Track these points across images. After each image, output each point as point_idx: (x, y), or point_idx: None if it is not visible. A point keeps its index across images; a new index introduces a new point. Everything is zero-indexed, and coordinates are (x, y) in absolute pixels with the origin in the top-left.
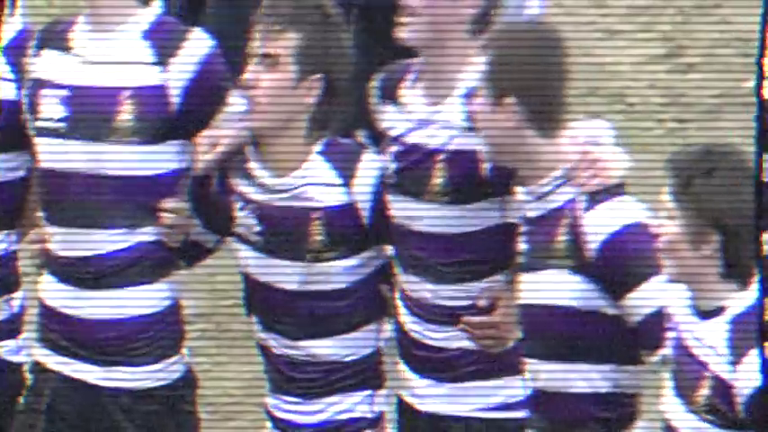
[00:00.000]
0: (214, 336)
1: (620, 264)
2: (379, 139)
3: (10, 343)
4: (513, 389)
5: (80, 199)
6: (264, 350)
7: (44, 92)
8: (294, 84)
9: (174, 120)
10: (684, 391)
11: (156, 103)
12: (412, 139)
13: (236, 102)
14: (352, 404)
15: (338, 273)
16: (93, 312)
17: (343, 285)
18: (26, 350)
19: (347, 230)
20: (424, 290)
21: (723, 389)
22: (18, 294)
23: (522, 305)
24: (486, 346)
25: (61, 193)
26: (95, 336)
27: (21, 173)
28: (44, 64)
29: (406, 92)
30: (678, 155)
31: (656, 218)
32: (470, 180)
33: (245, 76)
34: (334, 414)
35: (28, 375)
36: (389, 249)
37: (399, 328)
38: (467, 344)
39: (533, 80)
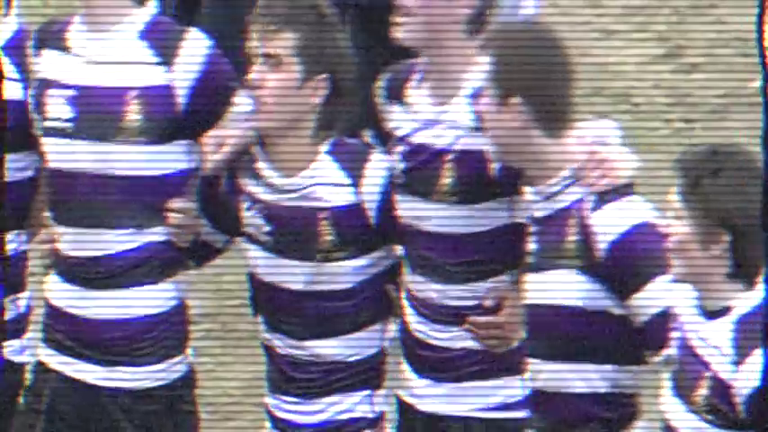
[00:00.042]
0: (220, 336)
1: (628, 264)
2: (385, 139)
3: (14, 343)
4: (512, 389)
5: (88, 199)
6: (269, 350)
7: (50, 92)
8: (300, 84)
9: (180, 119)
10: (684, 391)
11: (162, 103)
12: (419, 139)
13: (242, 101)
14: (352, 404)
15: (346, 273)
16: (100, 312)
17: (350, 285)
18: (30, 350)
19: (355, 230)
20: (431, 290)
21: (722, 389)
22: (24, 294)
23: (528, 305)
24: (490, 346)
25: (69, 193)
26: (101, 336)
27: (29, 173)
28: (47, 64)
29: (412, 92)
30: (685, 155)
31: (664, 218)
32: (478, 180)
33: (251, 76)
34: (334, 414)
35: (28, 375)
36: (399, 249)
37: (404, 329)
38: (471, 344)
39: (539, 80)
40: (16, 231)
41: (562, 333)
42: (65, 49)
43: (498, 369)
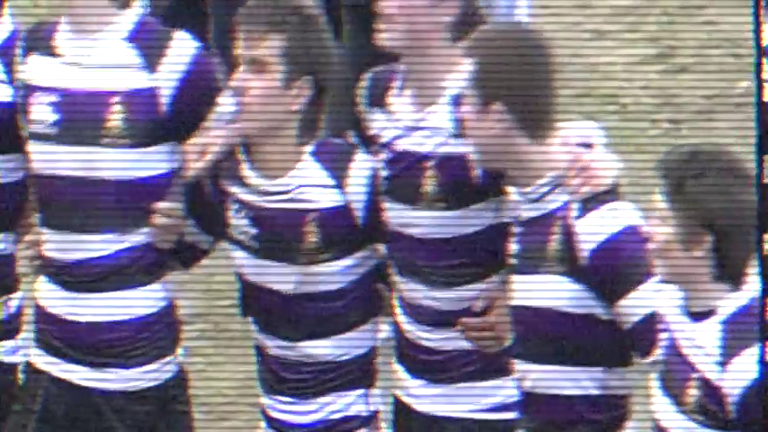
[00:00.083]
0: (212, 336)
1: (611, 271)
2: (368, 143)
3: (7, 344)
4: (508, 389)
5: (72, 203)
6: (260, 350)
7: (34, 96)
8: (283, 87)
9: (164, 122)
10: (673, 392)
11: (145, 106)
12: (401, 145)
13: (225, 102)
14: (346, 403)
15: (333, 273)
16: (88, 315)
17: (339, 286)
18: (23, 351)
19: (342, 231)
20: (419, 293)
21: (712, 390)
22: (16, 295)
23: (512, 307)
24: (483, 347)
25: (54, 197)
26: (90, 338)
27: (20, 174)
28: (32, 68)
29: (394, 98)
30: (668, 157)
31: (649, 220)
32: (461, 185)
33: (233, 82)
34: (328, 414)
35: (20, 376)
36: (383, 249)
37: (397, 329)
38: (462, 345)
39: (521, 84)
40: (6, 232)
41: (548, 335)
42: (51, 52)
43: (493, 370)
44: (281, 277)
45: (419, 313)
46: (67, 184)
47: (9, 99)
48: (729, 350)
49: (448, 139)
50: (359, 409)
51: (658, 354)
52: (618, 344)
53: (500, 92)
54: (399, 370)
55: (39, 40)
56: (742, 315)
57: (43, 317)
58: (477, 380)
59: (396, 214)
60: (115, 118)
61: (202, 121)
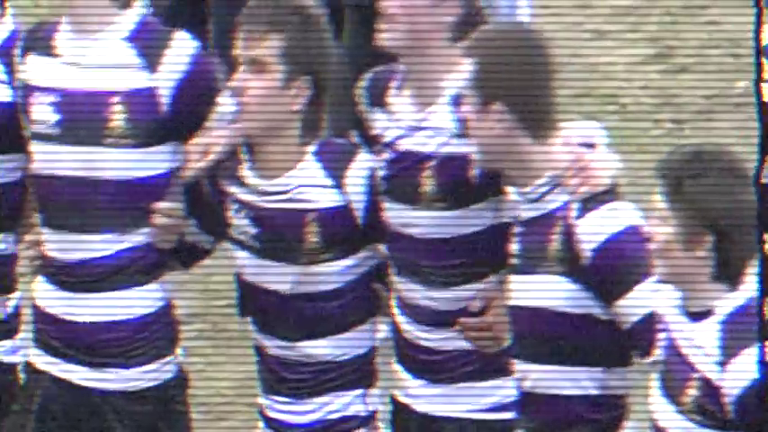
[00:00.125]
0: (211, 336)
1: (612, 271)
2: (370, 142)
3: (6, 343)
4: (507, 389)
5: (73, 203)
6: (259, 350)
7: (35, 97)
8: (282, 87)
9: (165, 122)
10: (672, 392)
11: (146, 106)
12: (402, 146)
13: (226, 102)
14: (344, 404)
15: (332, 273)
16: (86, 315)
17: (338, 286)
18: (22, 351)
19: (342, 231)
20: (417, 293)
21: (711, 390)
22: (14, 295)
23: (511, 306)
24: (482, 347)
25: (54, 197)
26: (88, 338)
27: (19, 174)
28: (32, 68)
29: (394, 98)
30: (668, 157)
31: (649, 220)
32: (461, 185)
33: (233, 82)
34: (326, 413)
35: (21, 375)
36: (383, 249)
37: (395, 329)
38: (461, 345)
39: (520, 85)
40: (6, 232)
41: (545, 335)
42: (51, 53)
43: (492, 370)
44: (281, 277)
45: (417, 313)
46: (68, 185)
47: (9, 99)
48: (728, 350)
49: (450, 140)
50: (357, 409)
51: (658, 354)
52: (617, 344)
53: (500, 92)
54: (399, 370)
55: (38, 40)
56: (740, 315)
57: (41, 317)
58: (477, 380)
59: (395, 214)
60: (116, 118)
61: (203, 121)
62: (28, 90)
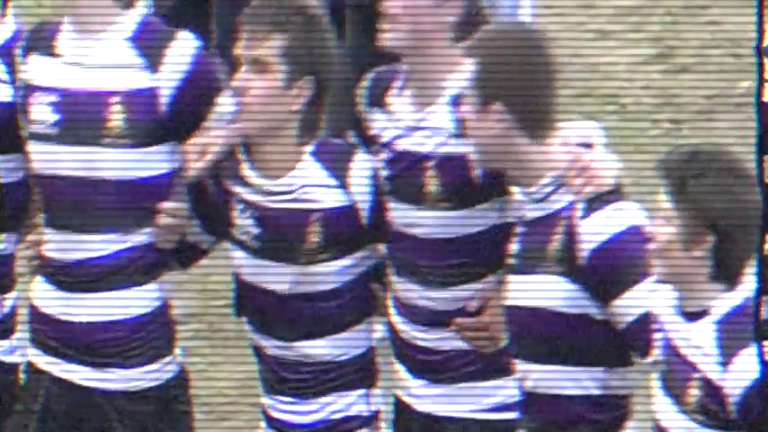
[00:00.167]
0: (207, 336)
1: (609, 271)
2: (368, 143)
3: (4, 343)
4: (508, 389)
5: (73, 203)
6: (257, 350)
7: (34, 97)
8: (284, 87)
9: (165, 122)
10: (674, 392)
11: (146, 106)
12: (402, 145)
13: (226, 102)
14: (347, 403)
15: (330, 273)
16: (83, 315)
17: (335, 286)
18: (21, 351)
19: (346, 231)
20: (415, 293)
21: (713, 390)
22: (11, 295)
23: (509, 306)
24: (479, 346)
25: (55, 197)
26: (85, 338)
27: (21, 174)
28: (33, 68)
29: (394, 98)
30: (669, 157)
31: (653, 219)
32: (464, 185)
33: (235, 82)
34: (329, 414)
35: (22, 376)
36: (383, 249)
37: (391, 329)
38: (458, 345)
39: (519, 85)
40: (9, 232)
41: (542, 335)
42: (53, 53)
43: (493, 370)
44: (279, 277)
45: (414, 313)
46: (68, 185)
47: (10, 99)
48: (728, 350)
49: (448, 139)
50: (360, 409)
51: (658, 354)
52: (615, 344)
53: (500, 92)
54: (400, 370)
55: (40, 40)
56: (736, 315)
57: (38, 317)
58: (478, 380)
59: (399, 214)
60: (116, 118)
61: (203, 121)
62: (28, 90)
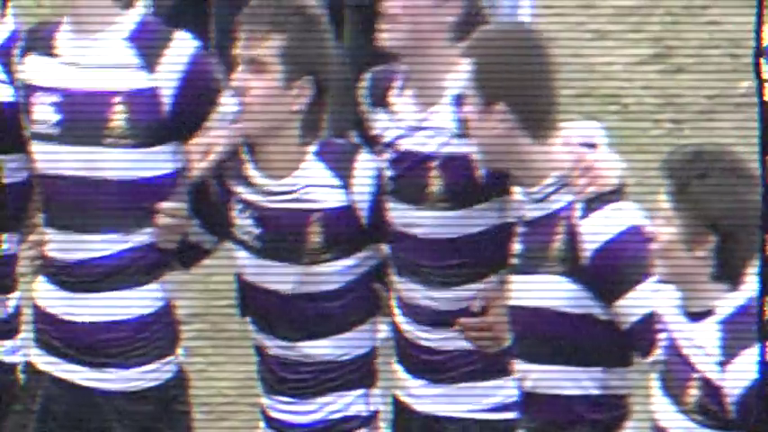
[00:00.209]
0: (211, 336)
1: (612, 271)
2: (370, 143)
3: (6, 343)
4: (508, 389)
5: (75, 203)
6: (259, 350)
7: (35, 97)
8: (283, 87)
9: (166, 122)
10: (674, 392)
11: (147, 106)
12: (404, 145)
13: (227, 102)
14: (346, 403)
15: (333, 273)
16: (86, 315)
17: (338, 286)
18: (23, 351)
19: (346, 231)
20: (418, 293)
21: (712, 390)
22: (14, 295)
23: (512, 306)
24: (482, 347)
25: (56, 197)
26: (88, 338)
27: (24, 174)
28: (32, 68)
29: (395, 98)
30: (672, 157)
31: (654, 220)
32: (466, 185)
33: (234, 82)
34: (328, 414)
35: (21, 376)
36: (385, 249)
37: (395, 329)
38: (462, 345)
39: (522, 85)
40: (11, 233)
41: (545, 335)
42: (52, 53)
43: (494, 370)
44: (282, 277)
45: (417, 313)
46: (70, 185)
47: (11, 99)
48: (729, 350)
49: (451, 139)
50: (359, 409)
51: (658, 354)
52: (617, 344)
53: (502, 92)
54: (399, 370)
55: (39, 40)
56: (740, 315)
57: (41, 317)
58: (478, 380)
59: (400, 214)
60: (117, 118)
61: (204, 121)
62: (29, 90)
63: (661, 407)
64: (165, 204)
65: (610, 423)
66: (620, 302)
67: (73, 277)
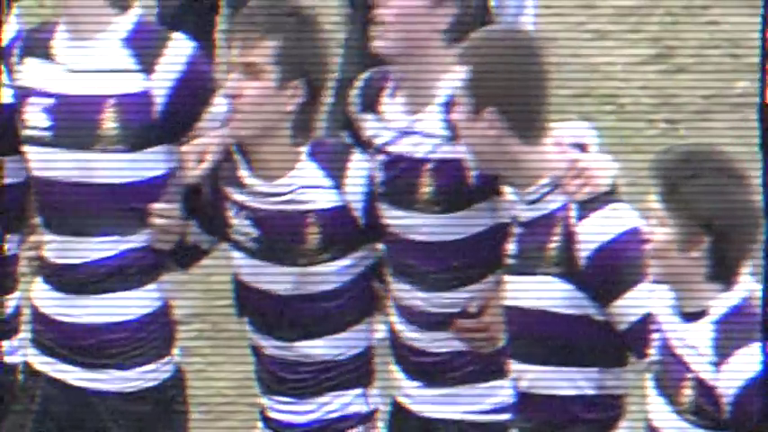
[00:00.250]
0: (211, 336)
1: (610, 272)
2: (361, 145)
3: (5, 344)
4: (504, 391)
5: (69, 207)
6: (256, 350)
7: (29, 100)
8: (276, 90)
9: (159, 125)
10: (668, 392)
11: (139, 110)
12: (396, 149)
13: (219, 103)
14: (343, 403)
15: (330, 274)
16: (84, 317)
17: (335, 286)
18: (22, 351)
19: (342, 232)
20: (414, 296)
21: (706, 390)
22: (14, 296)
23: (507, 307)
24: (477, 347)
25: (51, 200)
26: (86, 340)
27: (25, 174)
28: (28, 72)
29: (387, 102)
30: (662, 158)
31: (647, 221)
32: (458, 188)
33: (228, 85)
34: (325, 413)
35: (20, 376)
36: (381, 247)
37: (391, 330)
38: (456, 347)
39: (513, 88)
40: (14, 233)
41: (541, 336)
42: (48, 56)
43: (490, 372)
44: (279, 278)
45: (412, 315)
46: (63, 189)
47: (11, 100)
48: (723, 350)
49: (442, 143)
50: (356, 408)
51: (652, 354)
52: (613, 344)
53: (492, 97)
54: (396, 371)
55: (36, 42)
56: (734, 315)
57: (39, 318)
58: (474, 381)
59: (393, 218)
60: (109, 122)
61: (197, 123)
62: (24, 93)
63: (655, 407)
64: (157, 205)
65: (605, 423)
66: (618, 303)
67: (69, 279)
